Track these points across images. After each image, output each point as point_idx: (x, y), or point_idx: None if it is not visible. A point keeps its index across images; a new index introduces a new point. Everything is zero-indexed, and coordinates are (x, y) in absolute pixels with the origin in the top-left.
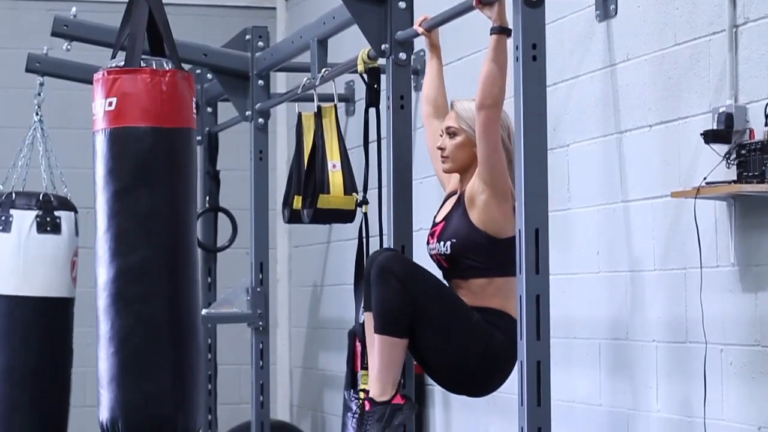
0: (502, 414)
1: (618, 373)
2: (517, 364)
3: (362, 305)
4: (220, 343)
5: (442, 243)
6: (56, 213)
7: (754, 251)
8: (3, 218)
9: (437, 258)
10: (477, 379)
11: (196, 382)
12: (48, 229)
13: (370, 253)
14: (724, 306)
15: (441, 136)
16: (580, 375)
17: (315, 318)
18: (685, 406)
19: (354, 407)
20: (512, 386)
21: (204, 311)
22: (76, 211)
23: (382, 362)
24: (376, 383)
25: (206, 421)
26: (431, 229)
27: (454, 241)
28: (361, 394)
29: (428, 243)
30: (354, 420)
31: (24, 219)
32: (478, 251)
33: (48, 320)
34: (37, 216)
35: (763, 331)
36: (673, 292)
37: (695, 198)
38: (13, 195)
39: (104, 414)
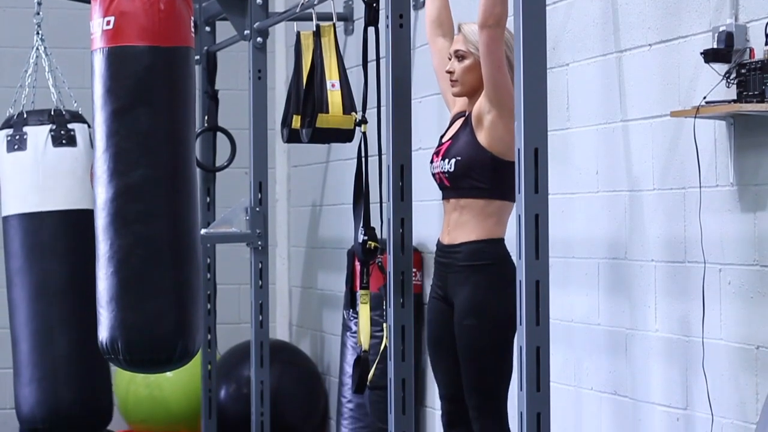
0: None
1: (616, 292)
2: (516, 284)
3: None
4: (219, 263)
5: (446, 161)
6: (69, 126)
7: (753, 171)
8: (18, 137)
9: (439, 177)
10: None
11: (196, 302)
12: (63, 142)
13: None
14: (722, 225)
15: (449, 59)
16: (579, 295)
17: (314, 237)
18: (684, 326)
19: (353, 326)
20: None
21: (203, 231)
22: (89, 125)
23: None
24: None
25: (205, 341)
26: (437, 148)
27: (459, 159)
28: None
29: (432, 162)
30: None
31: (38, 135)
32: (481, 171)
33: (74, 233)
34: (51, 130)
35: (762, 250)
36: (672, 212)
37: (695, 117)
38: (25, 114)
39: (104, 334)
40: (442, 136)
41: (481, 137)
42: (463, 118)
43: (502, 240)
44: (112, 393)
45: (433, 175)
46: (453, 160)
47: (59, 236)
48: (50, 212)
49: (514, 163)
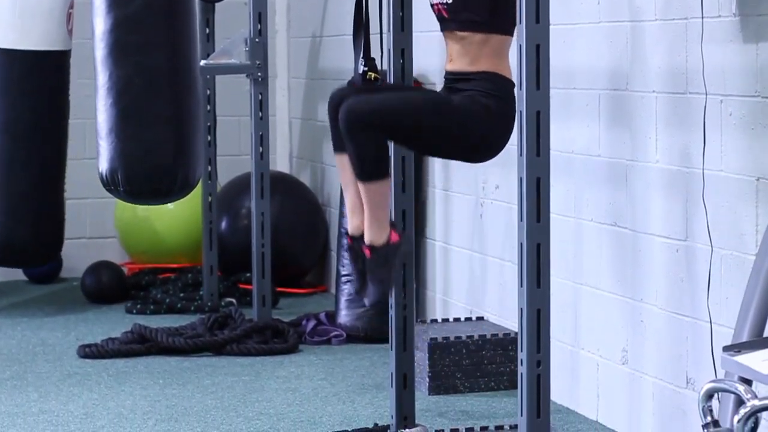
0: (501, 165)
1: (617, 123)
2: (516, 114)
3: (334, 146)
4: (218, 95)
5: None
6: None
7: (756, 1)
8: None
9: (438, 8)
10: (485, 151)
11: (196, 133)
12: None
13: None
14: (724, 56)
15: None
16: (580, 126)
17: (314, 69)
18: (684, 157)
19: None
20: (512, 138)
21: (202, 62)
22: None
23: (370, 206)
24: (370, 228)
25: (206, 173)
26: None
27: None
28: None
29: None
30: (348, 257)
31: None
32: (479, 4)
33: (46, 74)
34: None
35: (763, 81)
36: (674, 42)
37: None
38: None
39: (103, 165)
40: None
41: None
42: None
43: (511, 82)
44: (62, 226)
45: (432, 5)
46: None
47: (31, 75)
48: (24, 51)
49: None
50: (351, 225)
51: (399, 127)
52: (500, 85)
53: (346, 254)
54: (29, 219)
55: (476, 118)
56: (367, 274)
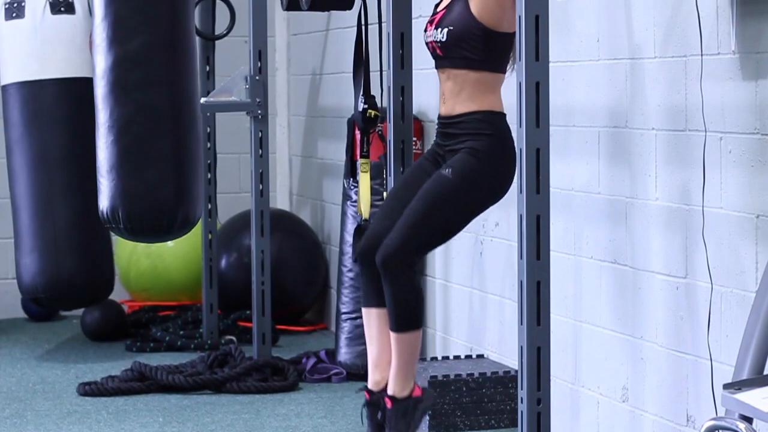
0: (501, 202)
1: (617, 161)
2: (516, 151)
3: (363, 301)
4: (219, 132)
5: (439, 30)
6: None
7: (756, 38)
8: (15, 4)
9: (432, 46)
10: (502, 189)
11: (196, 171)
12: (62, 9)
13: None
14: (724, 94)
15: None
16: (579, 163)
17: (314, 106)
18: (684, 194)
19: (353, 195)
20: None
21: (203, 100)
22: None
23: (401, 358)
24: (397, 381)
25: (206, 210)
26: (431, 17)
27: (452, 28)
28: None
29: (426, 30)
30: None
31: (37, 2)
32: (473, 42)
33: (73, 101)
34: None
35: (763, 119)
36: (674, 80)
37: None
38: None
39: (104, 202)
40: (437, 5)
41: (474, 7)
42: None
43: (503, 115)
44: (114, 262)
45: (427, 44)
46: (445, 30)
47: (58, 104)
48: (49, 80)
49: (506, 34)
50: (371, 380)
51: (431, 238)
52: (493, 121)
53: (345, 291)
54: (77, 253)
55: (481, 178)
56: (385, 427)
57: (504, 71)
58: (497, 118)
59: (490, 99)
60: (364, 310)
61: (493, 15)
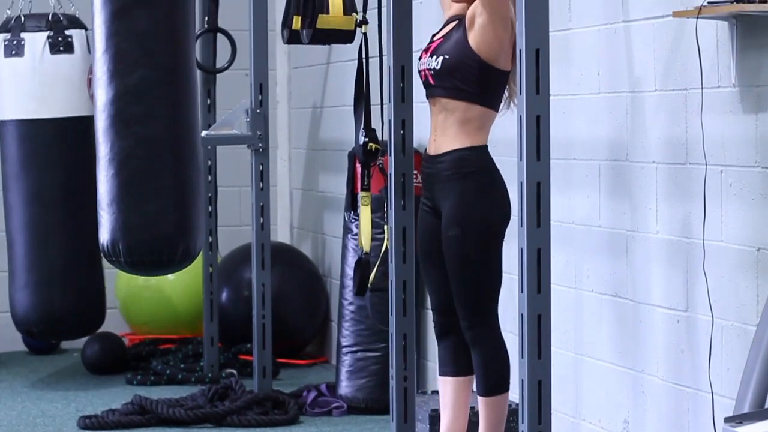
0: None
1: (617, 194)
2: (516, 185)
3: (440, 371)
4: (219, 165)
5: (434, 57)
6: (67, 32)
7: (756, 72)
8: (15, 42)
9: (425, 73)
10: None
11: (197, 204)
12: (61, 48)
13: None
14: (724, 127)
15: None
16: (580, 196)
17: (315, 139)
18: (685, 228)
19: (354, 229)
20: (512, 209)
21: (204, 133)
22: (86, 29)
23: (489, 422)
24: None
25: (207, 243)
26: (427, 45)
27: (447, 57)
28: None
29: (420, 58)
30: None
31: (36, 41)
32: (467, 73)
33: (70, 140)
34: (48, 37)
35: (763, 152)
36: (674, 113)
37: (697, 18)
38: (22, 18)
39: (105, 236)
40: (434, 34)
41: (471, 38)
42: (458, 20)
43: (485, 147)
44: (104, 297)
45: (420, 71)
46: (440, 58)
47: (55, 144)
48: (47, 120)
49: (501, 71)
50: None
51: (490, 290)
52: (474, 157)
53: (346, 324)
54: (69, 289)
55: (485, 215)
56: None
57: (496, 108)
58: (478, 152)
59: (473, 132)
60: (440, 378)
61: (491, 49)
